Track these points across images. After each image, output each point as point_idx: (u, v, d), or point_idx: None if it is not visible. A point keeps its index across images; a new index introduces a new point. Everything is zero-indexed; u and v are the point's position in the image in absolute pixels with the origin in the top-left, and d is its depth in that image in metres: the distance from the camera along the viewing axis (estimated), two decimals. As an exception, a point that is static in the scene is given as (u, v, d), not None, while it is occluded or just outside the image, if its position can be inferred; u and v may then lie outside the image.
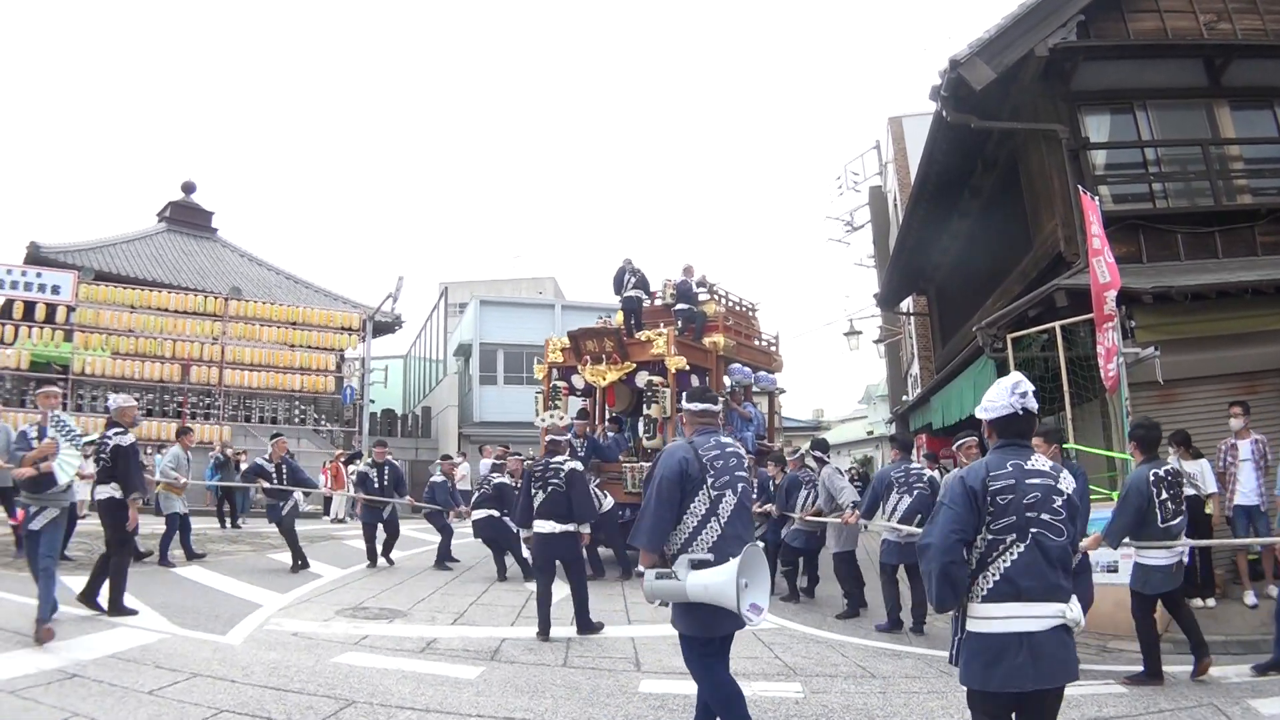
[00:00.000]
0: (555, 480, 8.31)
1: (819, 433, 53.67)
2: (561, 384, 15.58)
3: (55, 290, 23.09)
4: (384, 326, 31.53)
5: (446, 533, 13.43)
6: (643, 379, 14.16)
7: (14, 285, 22.74)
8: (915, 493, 9.20)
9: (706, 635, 4.64)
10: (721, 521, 4.59)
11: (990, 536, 3.49)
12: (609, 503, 12.50)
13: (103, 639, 6.98)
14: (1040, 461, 3.64)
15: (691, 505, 4.59)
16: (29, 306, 23.08)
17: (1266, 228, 11.28)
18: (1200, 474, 8.84)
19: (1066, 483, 3.61)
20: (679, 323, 15.37)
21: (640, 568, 4.66)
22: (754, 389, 17.40)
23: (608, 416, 15.98)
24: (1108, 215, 9.81)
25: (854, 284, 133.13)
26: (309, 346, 26.80)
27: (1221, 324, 9.96)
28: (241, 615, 8.48)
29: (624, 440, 14.96)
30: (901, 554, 9.14)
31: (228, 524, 18.32)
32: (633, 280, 16.14)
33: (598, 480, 12.78)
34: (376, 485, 13.08)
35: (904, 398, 26.43)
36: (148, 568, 11.06)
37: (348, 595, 10.12)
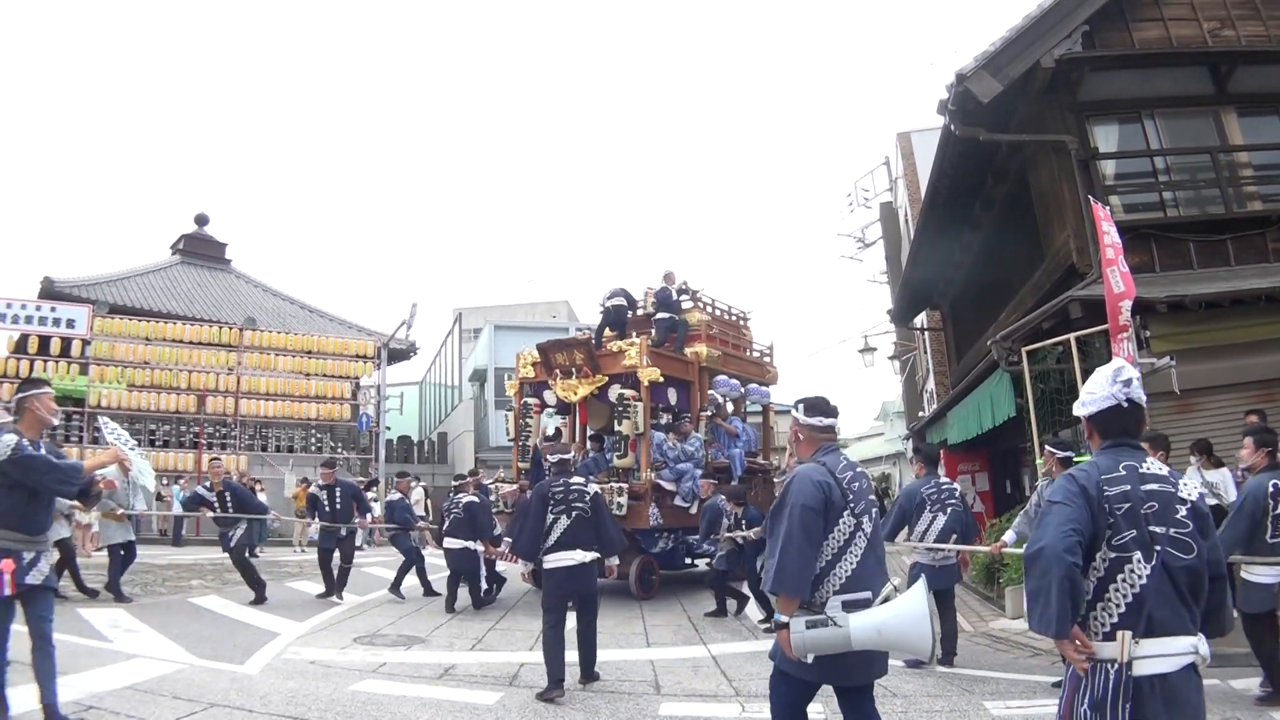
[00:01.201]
0: (580, 505, 7.14)
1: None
2: (533, 400, 14.70)
3: (70, 324, 23.25)
4: (399, 353, 31.57)
5: (410, 556, 12.66)
6: (615, 393, 13.25)
7: (29, 320, 22.92)
8: (950, 510, 8.29)
9: (862, 682, 4.03)
10: (861, 551, 3.93)
11: (1112, 554, 2.92)
12: None
13: (120, 670, 6.98)
14: (1155, 465, 3.10)
15: (830, 537, 3.91)
16: (44, 341, 23.25)
17: (1278, 234, 11.21)
18: (1222, 483, 8.72)
19: (1189, 490, 3.07)
20: (654, 332, 14.42)
21: (780, 618, 3.84)
22: (746, 403, 16.97)
23: (588, 435, 15.24)
24: (1119, 225, 9.78)
25: (868, 301, 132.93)
26: (324, 375, 26.91)
27: (1236, 332, 9.91)
28: (259, 644, 8.49)
29: (604, 460, 14.02)
30: (935, 578, 7.99)
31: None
32: (618, 297, 15.17)
33: None
34: (328, 509, 12.12)
35: (920, 413, 26.34)
36: (163, 599, 11.06)
37: (365, 623, 10.11)
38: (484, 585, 11.74)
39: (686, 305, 15.36)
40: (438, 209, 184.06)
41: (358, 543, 21.70)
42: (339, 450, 29.03)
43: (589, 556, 7.06)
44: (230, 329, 25.94)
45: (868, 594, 3.82)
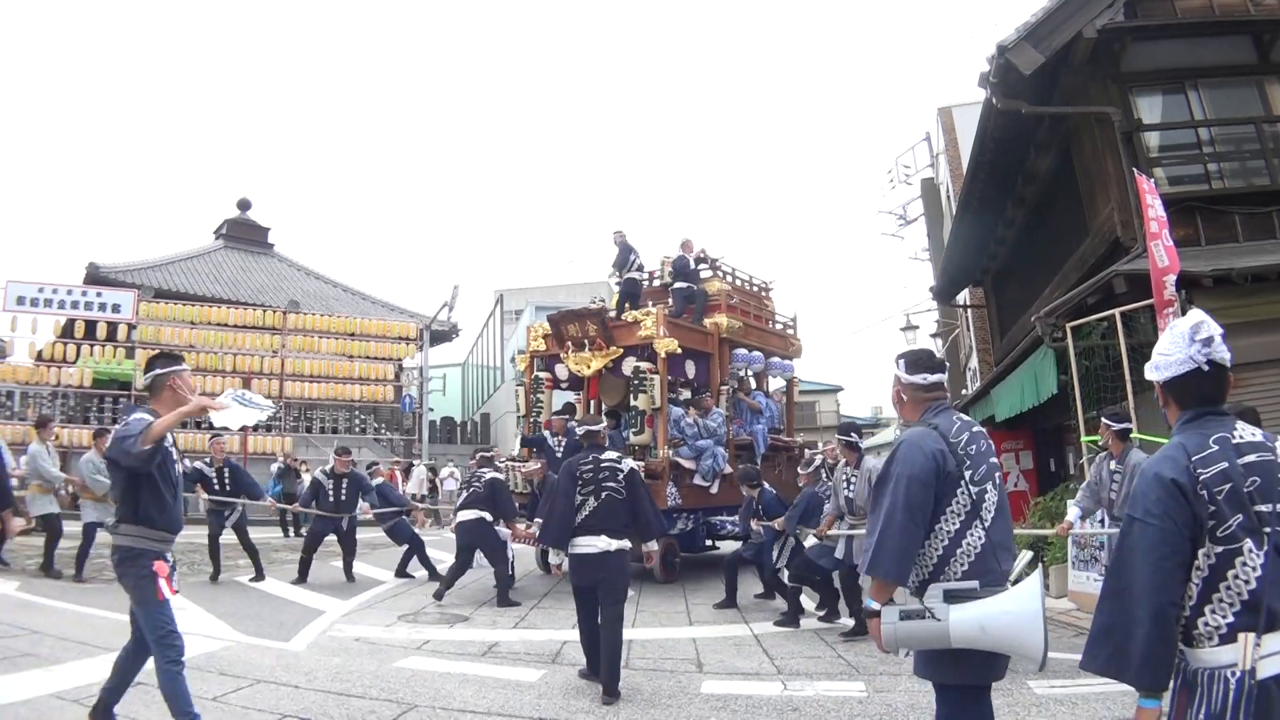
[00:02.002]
0: (612, 484, 6.39)
1: (878, 430, 53.20)
2: (544, 375, 13.96)
3: (116, 309, 23.61)
4: (441, 335, 31.81)
5: (415, 544, 12.25)
6: (630, 366, 12.57)
7: (75, 305, 23.31)
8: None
9: (981, 681, 3.43)
10: (985, 527, 3.32)
11: (1219, 549, 2.42)
12: None
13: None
14: (1248, 431, 2.59)
15: (945, 512, 3.33)
16: (90, 325, 23.61)
17: (1325, 205, 10.94)
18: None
19: None
20: (671, 302, 14.02)
21: (871, 603, 3.30)
22: (769, 377, 16.36)
23: (603, 411, 14.06)
24: (1163, 198, 9.61)
25: (909, 278, 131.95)
26: (367, 357, 27.16)
27: (1284, 305, 9.70)
28: (305, 622, 8.62)
29: (619, 439, 12.55)
30: None
31: (290, 533, 18.56)
32: (638, 261, 14.89)
33: None
34: (331, 498, 11.89)
35: (963, 392, 26.07)
36: (206, 578, 11.22)
37: (409, 601, 10.23)
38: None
39: (705, 275, 14.87)
40: (480, 191, 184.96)
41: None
42: (382, 430, 29.30)
43: (614, 544, 6.27)
44: (274, 312, 26.25)
45: (974, 584, 3.23)
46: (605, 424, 11.69)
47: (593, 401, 14.37)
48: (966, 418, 3.59)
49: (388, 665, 6.85)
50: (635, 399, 12.25)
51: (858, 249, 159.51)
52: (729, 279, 15.17)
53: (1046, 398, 11.54)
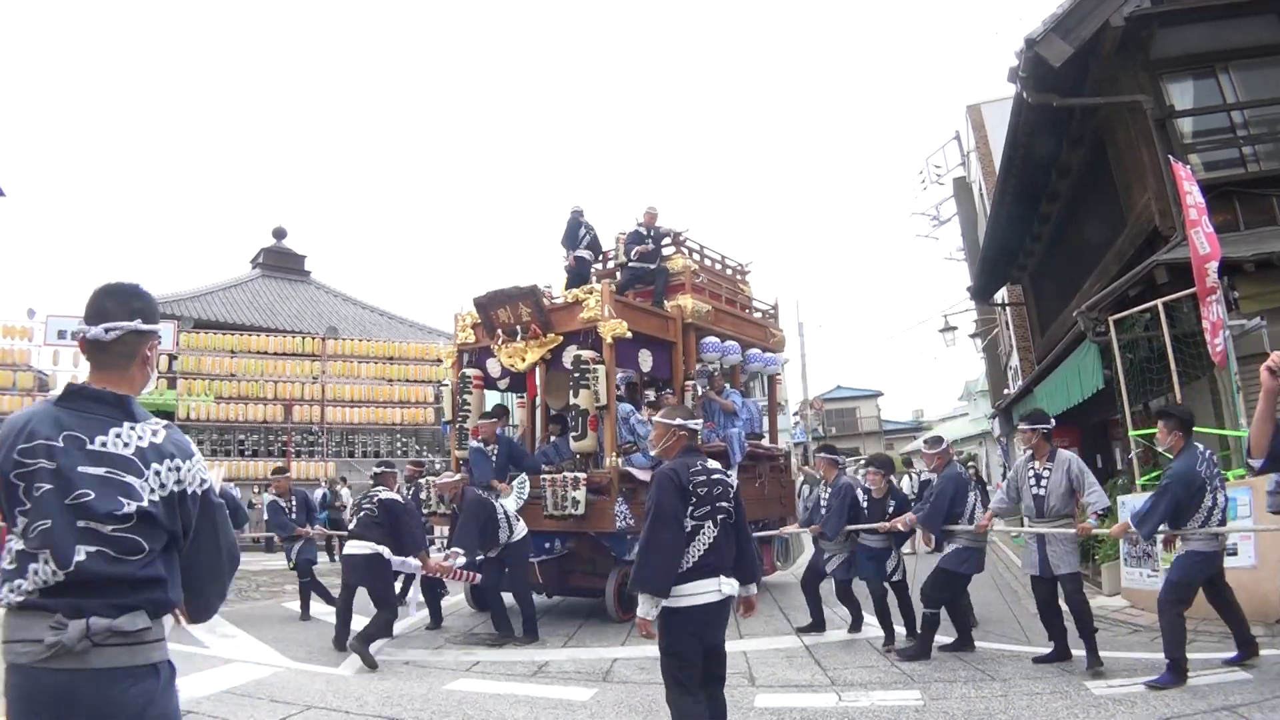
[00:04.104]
0: (725, 504, 4.44)
1: (920, 434, 52.78)
2: (472, 372, 11.43)
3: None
4: (479, 355, 31.72)
5: (301, 570, 11.05)
6: (570, 355, 10.28)
7: (115, 338, 23.57)
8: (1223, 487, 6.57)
9: None
10: None
11: None
12: (521, 530, 9.26)
13: (218, 675, 7.16)
14: None
15: None
16: (131, 357, 23.91)
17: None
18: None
19: None
20: (618, 275, 12.09)
21: None
22: (744, 372, 13.87)
23: (549, 416, 12.21)
24: (1200, 184, 9.48)
25: (945, 279, 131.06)
26: (407, 380, 27.23)
27: (1329, 287, 9.53)
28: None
29: (565, 448, 10.77)
30: (1213, 564, 6.48)
31: (335, 558, 18.62)
32: (587, 238, 12.69)
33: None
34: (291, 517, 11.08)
35: (1005, 391, 25.84)
36: (259, 604, 11.28)
37: (457, 622, 10.22)
38: (411, 608, 9.92)
39: (668, 251, 12.58)
40: (513, 212, 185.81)
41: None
42: (424, 453, 29.42)
43: (733, 587, 4.41)
44: (313, 339, 26.41)
45: None
46: (481, 433, 10.26)
47: (539, 405, 12.33)
48: None
49: (438, 688, 6.84)
50: (575, 395, 9.97)
51: (892, 252, 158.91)
52: (695, 256, 12.88)
53: (1091, 393, 11.40)
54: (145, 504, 2.21)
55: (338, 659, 7.97)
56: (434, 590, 10.10)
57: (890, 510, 8.29)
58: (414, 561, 8.62)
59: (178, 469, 2.31)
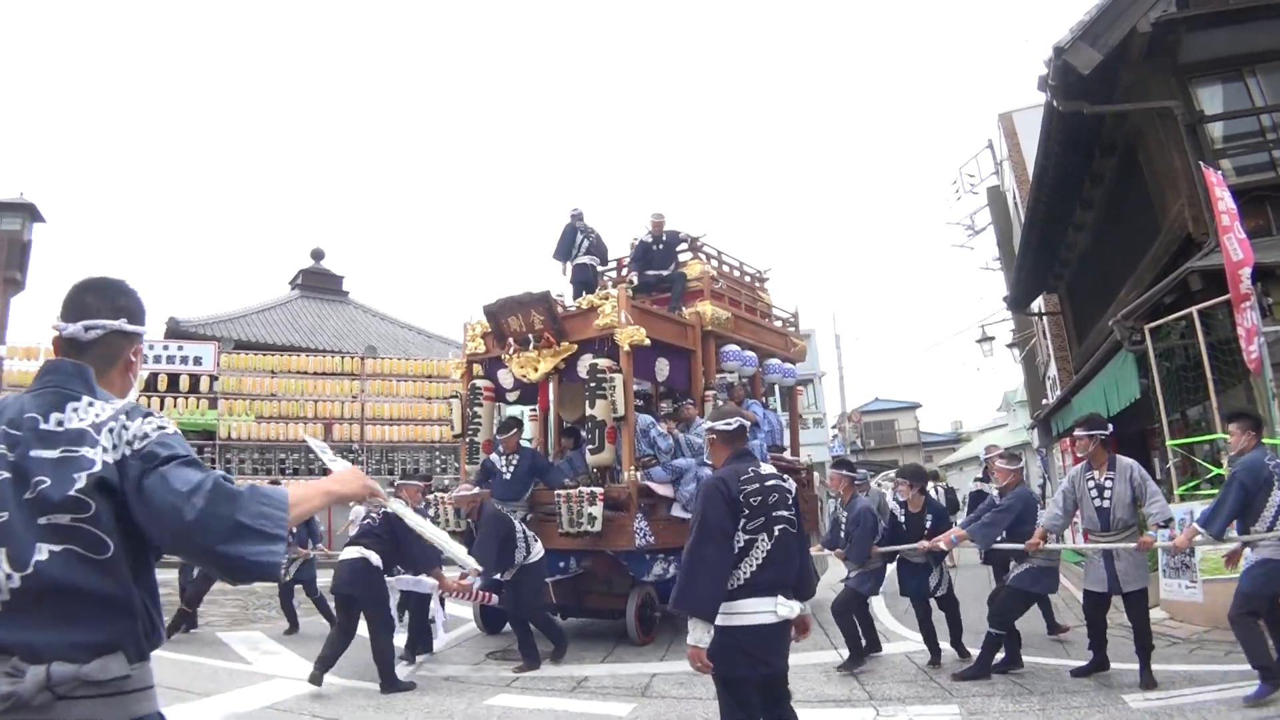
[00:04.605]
0: (784, 512, 4.01)
1: (959, 445, 52.36)
2: (483, 383, 11.15)
3: (198, 361, 24.14)
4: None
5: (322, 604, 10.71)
6: (585, 364, 9.91)
7: (158, 359, 23.85)
8: None
9: None
10: None
11: None
12: (538, 551, 8.78)
13: (260, 691, 7.27)
14: None
15: None
16: (173, 378, 24.22)
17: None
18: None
19: None
20: (634, 279, 11.69)
21: None
22: (764, 382, 13.25)
23: (563, 428, 11.75)
24: (1232, 189, 9.38)
25: (982, 289, 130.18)
26: (445, 398, 27.38)
27: (1365, 292, 9.39)
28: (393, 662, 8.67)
29: (580, 462, 10.43)
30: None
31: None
32: (586, 243, 12.32)
33: (528, 516, 9.65)
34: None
35: (1043, 401, 25.59)
36: (301, 621, 11.34)
37: (498, 640, 10.21)
38: (438, 627, 8.90)
39: (685, 256, 12.28)
40: (541, 220, 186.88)
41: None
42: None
43: (793, 610, 3.95)
44: (352, 358, 26.62)
45: None
46: (499, 444, 9.96)
47: (554, 418, 11.93)
48: None
49: (478, 704, 6.89)
50: (591, 406, 9.56)
51: (928, 262, 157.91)
52: (714, 263, 12.52)
53: (1129, 403, 11.29)
54: (99, 468, 1.87)
55: (378, 675, 8.02)
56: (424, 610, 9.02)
57: (928, 524, 8.08)
58: (429, 580, 8.29)
59: (125, 428, 1.95)
